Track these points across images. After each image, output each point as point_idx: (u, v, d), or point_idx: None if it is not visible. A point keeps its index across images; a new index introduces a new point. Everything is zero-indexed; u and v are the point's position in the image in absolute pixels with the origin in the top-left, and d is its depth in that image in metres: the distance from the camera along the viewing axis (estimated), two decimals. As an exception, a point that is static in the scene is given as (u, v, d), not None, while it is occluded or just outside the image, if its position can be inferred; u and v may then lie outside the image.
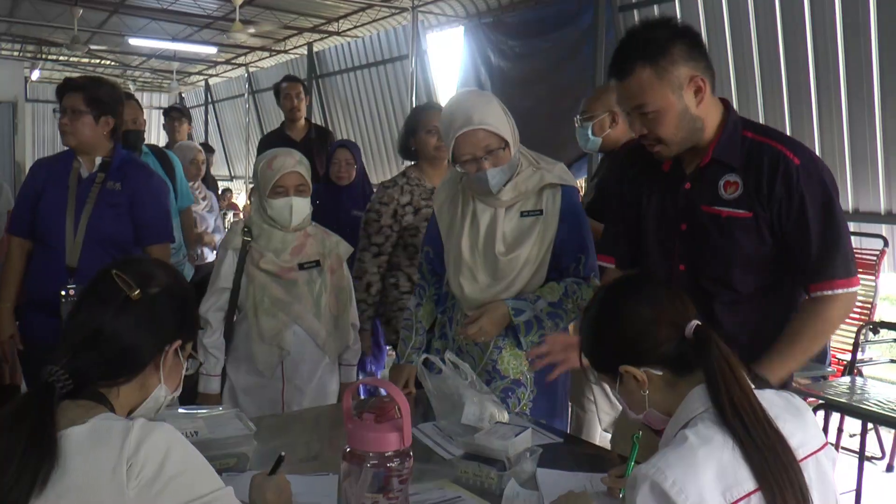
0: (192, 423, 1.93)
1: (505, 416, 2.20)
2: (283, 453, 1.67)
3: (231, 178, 16.98)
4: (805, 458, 1.26)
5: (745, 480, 1.19)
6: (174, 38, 12.70)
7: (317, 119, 12.76)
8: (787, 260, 1.92)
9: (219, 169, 16.23)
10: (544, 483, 1.85)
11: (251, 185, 4.16)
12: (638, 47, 1.86)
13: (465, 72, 9.19)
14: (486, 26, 8.84)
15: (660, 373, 1.36)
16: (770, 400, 1.31)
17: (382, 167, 11.44)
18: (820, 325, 1.91)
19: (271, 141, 4.79)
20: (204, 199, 5.33)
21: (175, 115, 6.02)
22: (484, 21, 8.85)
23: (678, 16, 6.37)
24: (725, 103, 1.98)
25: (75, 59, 15.98)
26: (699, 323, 1.34)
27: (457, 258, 2.43)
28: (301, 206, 2.70)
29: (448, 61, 11.48)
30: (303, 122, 5.13)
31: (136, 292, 1.34)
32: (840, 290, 1.86)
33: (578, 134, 3.35)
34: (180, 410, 2.05)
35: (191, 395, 2.62)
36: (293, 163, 2.69)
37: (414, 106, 9.98)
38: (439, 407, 2.27)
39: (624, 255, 2.19)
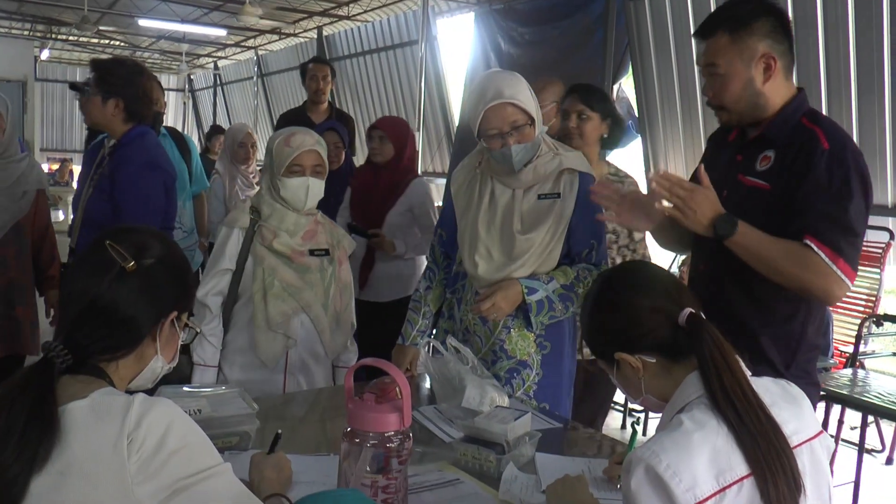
0: (196, 401, 1.95)
1: (505, 401, 2.22)
2: (279, 431, 1.70)
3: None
4: (799, 444, 1.27)
5: (738, 465, 1.20)
6: (184, 20, 12.69)
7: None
8: (788, 230, 1.89)
9: (226, 151, 16.26)
10: (542, 467, 1.86)
11: (259, 167, 4.05)
12: (725, 15, 2.00)
13: (474, 58, 9.17)
14: (496, 13, 8.81)
15: (653, 360, 1.37)
16: (766, 387, 1.32)
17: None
18: (798, 256, 1.85)
19: (290, 120, 4.69)
20: (258, 184, 5.28)
21: None
22: (494, 7, 8.82)
23: (689, 5, 6.34)
24: (800, 91, 2.04)
25: (84, 40, 15.99)
26: (692, 311, 1.35)
27: (472, 236, 2.46)
28: (317, 189, 2.58)
29: (458, 47, 11.45)
30: (325, 105, 5.06)
31: (132, 263, 1.32)
32: (825, 257, 1.82)
33: None
34: (184, 388, 2.08)
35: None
36: (312, 141, 2.58)
37: (422, 90, 10.00)
38: (440, 390, 2.29)
39: None
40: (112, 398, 1.22)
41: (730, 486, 1.18)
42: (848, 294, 2.07)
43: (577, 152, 2.52)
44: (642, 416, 5.03)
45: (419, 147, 10.12)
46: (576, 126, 3.17)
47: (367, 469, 1.42)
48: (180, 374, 2.37)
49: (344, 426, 1.52)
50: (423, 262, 3.58)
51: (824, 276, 1.84)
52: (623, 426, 5.18)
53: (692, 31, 6.28)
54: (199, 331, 1.63)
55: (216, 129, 7.81)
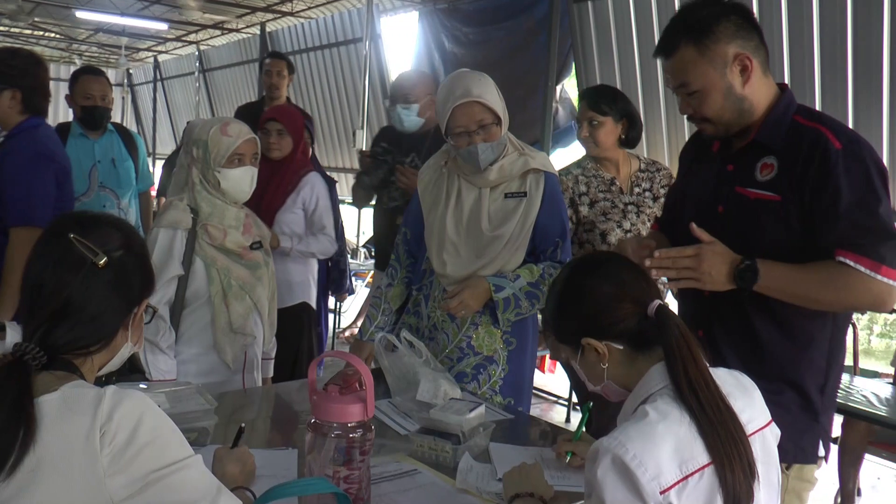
0: (154, 397, 1.93)
1: (458, 393, 2.28)
2: (242, 425, 1.72)
3: (178, 157, 16.69)
4: (753, 433, 1.33)
5: (700, 454, 1.25)
6: (123, 13, 12.43)
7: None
8: (813, 245, 1.75)
9: (165, 147, 15.99)
10: (497, 456, 1.92)
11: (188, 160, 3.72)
12: (682, 25, 1.84)
13: (418, 57, 9.19)
14: (440, 12, 8.85)
15: (620, 347, 1.41)
16: (722, 378, 1.37)
17: (335, 150, 11.40)
18: (834, 279, 1.71)
19: (245, 115, 4.57)
20: None
21: None
22: (439, 7, 8.87)
23: (631, 9, 6.47)
24: (783, 87, 1.91)
25: (17, 31, 15.52)
26: (661, 302, 1.40)
27: (440, 235, 2.51)
28: (254, 178, 2.54)
29: (402, 46, 11.47)
30: (283, 101, 4.99)
31: (103, 260, 1.31)
32: (866, 270, 1.68)
33: (399, 115, 3.56)
34: (141, 386, 2.08)
35: None
36: (247, 129, 2.52)
37: (366, 88, 9.99)
38: (394, 384, 2.34)
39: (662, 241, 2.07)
40: (82, 391, 1.23)
41: (692, 474, 1.24)
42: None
43: (542, 153, 2.59)
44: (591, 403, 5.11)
45: (363, 145, 10.12)
46: (588, 135, 3.15)
47: (332, 459, 1.46)
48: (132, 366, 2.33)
49: (301, 420, 1.55)
50: (316, 267, 3.59)
51: (868, 289, 1.69)
52: (567, 419, 5.28)
53: (634, 34, 6.47)
54: (156, 310, 1.63)
55: None
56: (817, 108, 4.90)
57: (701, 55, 1.80)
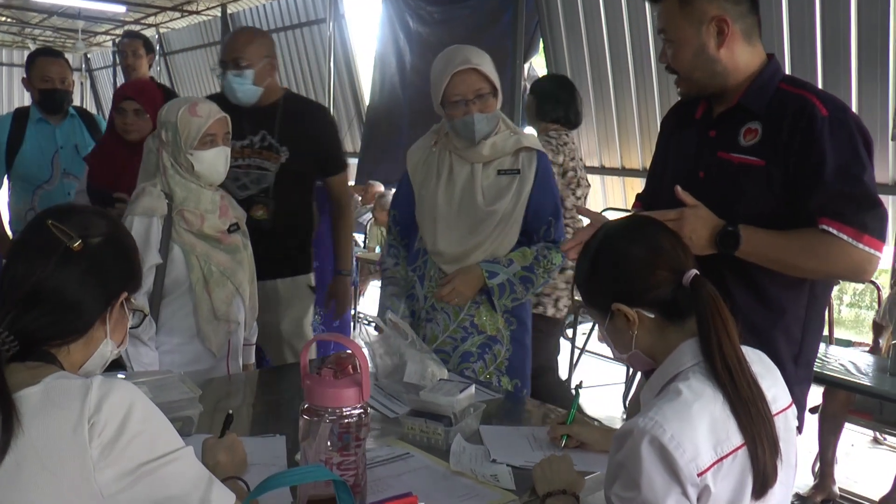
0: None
1: (445, 374, 2.25)
2: (230, 412, 1.67)
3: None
4: (777, 413, 1.31)
5: (734, 435, 1.22)
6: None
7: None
8: (796, 211, 1.74)
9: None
10: (489, 438, 1.90)
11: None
12: None
13: (383, 37, 9.10)
14: (404, -9, 8.76)
15: (651, 315, 1.36)
16: (748, 357, 1.33)
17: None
18: (816, 247, 1.70)
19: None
20: None
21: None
22: (403, -14, 8.77)
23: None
24: (770, 57, 1.88)
25: (-34, 16, 15.10)
26: (697, 273, 1.36)
27: (432, 211, 2.47)
28: (228, 158, 2.45)
29: (367, 26, 11.35)
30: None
31: (78, 243, 1.27)
32: (849, 238, 1.67)
33: (231, 83, 2.97)
34: (119, 376, 2.02)
35: None
36: (217, 108, 2.43)
37: (332, 70, 9.86)
38: (381, 366, 2.30)
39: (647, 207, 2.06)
40: (67, 381, 1.17)
41: (727, 455, 1.21)
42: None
43: (532, 133, 2.57)
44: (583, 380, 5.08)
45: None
46: None
47: (328, 445, 1.41)
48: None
49: (288, 406, 1.51)
50: None
51: (850, 257, 1.68)
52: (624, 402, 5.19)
53: (602, 9, 6.44)
54: (146, 314, 1.57)
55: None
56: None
57: (680, 8, 1.80)
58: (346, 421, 1.43)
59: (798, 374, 1.86)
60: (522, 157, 2.46)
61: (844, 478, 4.00)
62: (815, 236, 1.70)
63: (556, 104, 3.77)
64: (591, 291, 1.46)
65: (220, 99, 2.98)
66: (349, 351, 1.47)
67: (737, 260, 1.75)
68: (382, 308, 2.57)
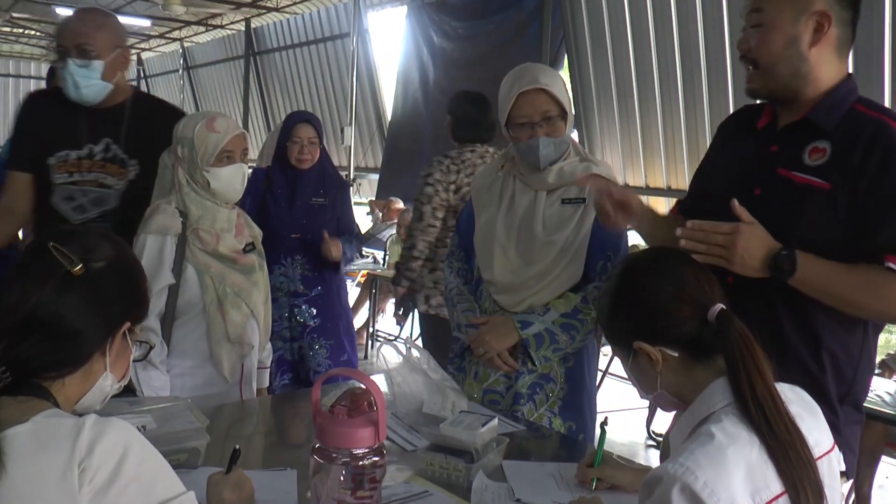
0: (139, 417, 1.80)
1: (464, 404, 2.14)
2: (237, 446, 1.57)
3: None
4: (820, 457, 1.21)
5: (773, 482, 1.13)
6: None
7: (254, 97, 12.48)
8: (859, 243, 1.61)
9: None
10: (512, 474, 1.79)
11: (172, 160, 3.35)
12: None
13: (406, 52, 9.08)
14: (429, 6, 8.73)
15: (675, 354, 1.28)
16: (786, 395, 1.24)
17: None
18: (878, 285, 1.58)
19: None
20: None
21: None
22: (427, 1, 8.74)
23: (626, 5, 6.34)
24: (849, 76, 1.74)
25: (-3, 29, 15.29)
26: (724, 307, 1.27)
27: (489, 238, 2.32)
28: (246, 176, 2.37)
29: (390, 41, 11.35)
30: None
31: (79, 266, 1.18)
32: None
33: (72, 75, 2.42)
34: (124, 402, 1.93)
35: None
36: (235, 124, 2.34)
37: (354, 84, 9.84)
38: (398, 395, 2.19)
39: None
40: (58, 420, 1.08)
41: None
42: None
43: (605, 162, 2.43)
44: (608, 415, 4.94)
45: (351, 142, 9.97)
46: None
47: (339, 488, 1.31)
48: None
49: (302, 438, 1.41)
50: None
51: None
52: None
53: (628, 24, 6.35)
54: (152, 346, 1.48)
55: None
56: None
57: None
58: (361, 463, 1.32)
59: (848, 416, 1.73)
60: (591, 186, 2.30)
61: (880, 511, 3.85)
62: (879, 274, 1.57)
63: (468, 127, 3.72)
64: (613, 329, 1.38)
65: (50, 96, 2.66)
66: (363, 386, 1.37)
67: (791, 292, 1.62)
68: (459, 327, 2.38)
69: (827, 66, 1.69)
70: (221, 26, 13.21)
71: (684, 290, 1.29)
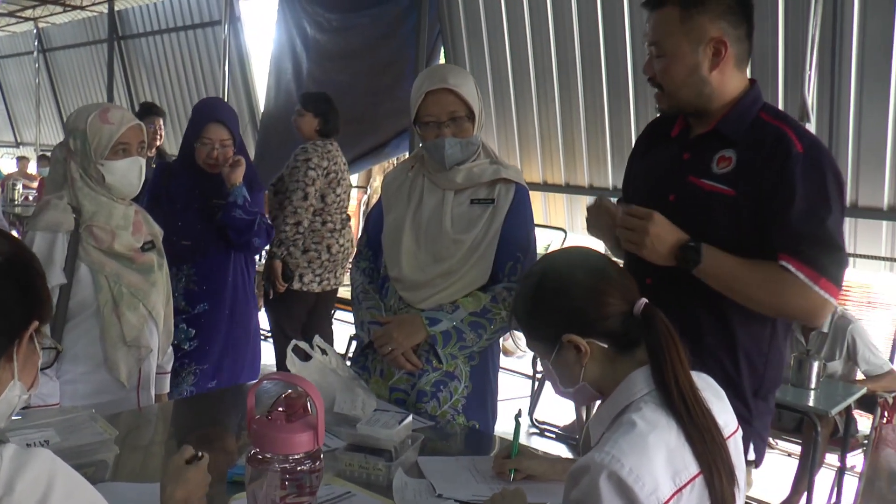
0: (41, 431, 1.70)
1: (374, 402, 2.15)
2: (200, 453, 1.45)
3: (18, 145, 15.52)
4: (727, 437, 1.29)
5: (690, 464, 1.20)
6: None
7: (118, 85, 11.90)
8: (761, 245, 1.72)
9: (1, 135, 14.80)
10: (430, 470, 1.81)
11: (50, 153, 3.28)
12: None
13: (279, 42, 8.86)
14: (302, -4, 8.56)
15: (605, 345, 1.33)
16: (697, 383, 1.31)
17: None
18: (773, 282, 1.69)
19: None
20: None
21: None
22: (300, -10, 8.57)
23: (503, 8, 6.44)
24: (752, 82, 1.86)
25: None
26: (647, 301, 1.33)
27: (397, 235, 2.31)
28: (143, 169, 2.26)
29: (263, 30, 11.07)
30: None
31: None
32: (805, 278, 1.66)
33: None
34: (15, 418, 1.82)
35: None
36: (130, 115, 2.26)
37: (226, 74, 9.55)
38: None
39: None
40: None
41: (685, 485, 1.19)
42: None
43: (515, 166, 2.43)
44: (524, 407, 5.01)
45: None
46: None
47: (278, 495, 1.30)
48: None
49: (220, 444, 1.38)
50: None
51: (805, 298, 1.67)
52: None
53: (504, 21, 6.46)
54: (59, 350, 1.39)
55: (149, 110, 5.87)
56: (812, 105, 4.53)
57: (682, 22, 1.76)
58: (299, 468, 1.31)
59: (759, 407, 1.87)
60: (499, 188, 2.30)
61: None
62: (774, 271, 1.69)
63: (333, 123, 4.43)
64: (537, 323, 1.40)
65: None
66: (299, 389, 1.36)
67: (706, 294, 1.74)
68: (362, 325, 2.34)
69: (730, 81, 1.80)
70: (81, 7, 12.48)
71: (611, 283, 1.34)
